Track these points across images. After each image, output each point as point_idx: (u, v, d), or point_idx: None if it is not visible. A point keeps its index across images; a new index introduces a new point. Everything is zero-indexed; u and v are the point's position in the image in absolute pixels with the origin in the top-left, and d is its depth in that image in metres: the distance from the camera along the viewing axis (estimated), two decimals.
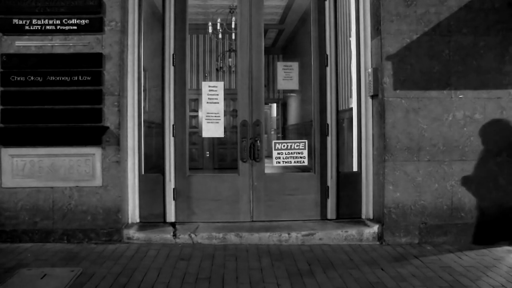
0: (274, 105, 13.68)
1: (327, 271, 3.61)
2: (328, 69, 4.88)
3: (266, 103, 5.19)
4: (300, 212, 4.88)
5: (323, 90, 4.90)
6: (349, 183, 4.89)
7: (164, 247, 4.23)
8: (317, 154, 4.92)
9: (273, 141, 5.03)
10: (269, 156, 5.20)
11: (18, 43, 4.47)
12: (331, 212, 4.89)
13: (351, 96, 4.99)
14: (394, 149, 4.43)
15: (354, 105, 4.93)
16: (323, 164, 4.90)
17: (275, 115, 13.67)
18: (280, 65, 5.22)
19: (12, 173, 4.41)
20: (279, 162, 4.88)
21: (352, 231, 4.44)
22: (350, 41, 4.94)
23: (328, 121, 4.88)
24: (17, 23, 4.45)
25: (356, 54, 4.87)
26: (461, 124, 4.45)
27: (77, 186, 4.40)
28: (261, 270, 3.60)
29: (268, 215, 4.87)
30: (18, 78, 4.43)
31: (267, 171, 4.93)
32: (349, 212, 4.89)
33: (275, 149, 4.89)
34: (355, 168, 4.96)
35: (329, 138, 4.88)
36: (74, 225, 4.39)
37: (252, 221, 4.85)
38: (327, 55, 4.88)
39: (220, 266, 3.69)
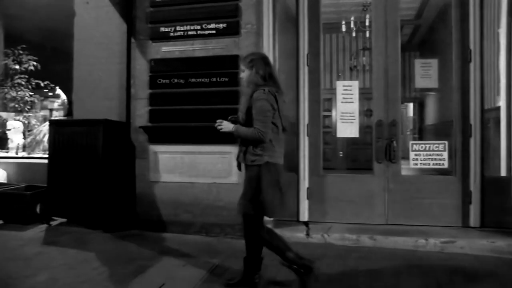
0: (411, 104, 13.64)
1: (471, 284, 3.58)
2: (471, 65, 5.02)
3: (401, 102, 5.43)
4: (438, 218, 5.08)
5: (465, 87, 5.05)
6: (495, 189, 4.94)
7: (296, 246, 4.50)
8: (459, 156, 5.09)
9: (410, 142, 5.24)
10: (405, 157, 5.46)
11: (164, 48, 5.42)
12: (474, 220, 5.00)
13: (498, 94, 5.02)
14: None
15: (502, 103, 4.96)
16: (465, 167, 5.05)
17: (412, 115, 13.60)
18: (417, 63, 5.48)
19: (159, 169, 5.36)
20: (417, 164, 5.14)
21: (501, 243, 4.38)
22: (498, 33, 5.00)
23: (471, 121, 5.02)
24: (163, 30, 5.39)
25: (507, 47, 4.89)
26: None
27: (214, 183, 5.17)
28: (396, 276, 3.74)
29: (403, 219, 5.15)
30: (164, 81, 5.36)
31: (403, 173, 5.23)
32: (495, 220, 4.92)
33: (412, 150, 5.15)
34: (503, 173, 4.97)
35: (472, 139, 5.02)
36: (211, 219, 5.17)
37: (387, 224, 5.17)
38: (470, 50, 5.02)
39: (352, 268, 3.93)
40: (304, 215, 5.35)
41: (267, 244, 3.47)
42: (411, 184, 5.18)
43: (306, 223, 5.23)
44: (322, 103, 5.49)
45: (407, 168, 5.39)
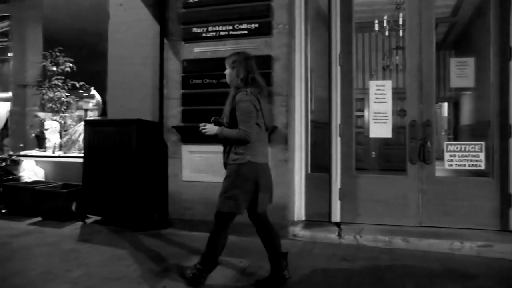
0: (445, 104, 13.39)
1: None
2: (511, 63, 4.90)
3: (436, 102, 5.33)
4: (474, 220, 4.98)
5: (504, 87, 4.94)
6: None
7: (328, 247, 4.70)
8: (496, 157, 4.98)
9: (445, 143, 5.16)
10: (440, 158, 5.39)
11: (196, 49, 5.48)
12: None
13: None
14: None
15: None
16: (503, 169, 4.94)
17: (446, 115, 13.36)
18: (453, 62, 5.37)
19: (191, 168, 5.42)
20: (452, 165, 5.06)
21: None
22: None
23: (511, 121, 4.91)
24: (196, 31, 5.46)
25: None
26: None
27: None
28: (432, 280, 3.68)
29: (437, 221, 5.08)
30: (196, 81, 5.42)
31: (437, 174, 5.15)
32: None
33: (447, 151, 5.07)
34: None
35: (511, 140, 4.91)
36: (242, 219, 5.07)
37: (420, 226, 5.10)
38: (510, 48, 4.91)
39: (385, 271, 3.90)
40: (336, 216, 5.33)
41: (211, 242, 3.57)
42: (446, 185, 5.09)
43: (338, 224, 5.23)
44: (354, 103, 5.44)
45: (442, 169, 5.31)
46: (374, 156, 10.85)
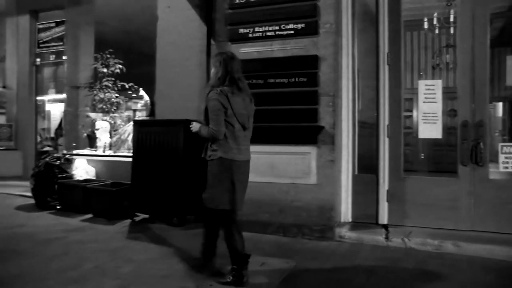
0: (500, 104, 12.90)
1: None
2: None
3: (489, 102, 5.14)
4: None
5: None
6: None
7: (375, 249, 4.64)
8: None
9: (500, 144, 4.99)
10: (494, 160, 5.19)
11: (242, 49, 5.52)
12: None
13: None
14: None
15: None
16: None
17: (501, 115, 12.87)
18: (509, 59, 5.20)
19: None
20: (507, 168, 4.88)
21: None
22: None
23: None
24: (242, 32, 5.51)
25: None
26: None
27: (293, 183, 5.20)
28: (486, 287, 3.59)
29: (490, 226, 4.89)
30: None
31: (491, 176, 4.98)
32: None
33: (502, 153, 4.90)
34: None
35: None
36: (289, 220, 5.20)
37: (472, 230, 4.94)
38: None
39: (434, 275, 3.82)
40: (384, 218, 5.25)
41: (207, 237, 3.82)
42: (501, 189, 4.90)
43: (385, 226, 5.15)
44: (403, 103, 5.33)
45: (496, 172, 5.10)
46: (423, 157, 10.58)
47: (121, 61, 8.26)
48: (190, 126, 3.77)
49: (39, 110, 10.85)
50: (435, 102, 5.10)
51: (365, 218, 5.29)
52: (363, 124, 5.65)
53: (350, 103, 5.37)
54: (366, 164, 5.43)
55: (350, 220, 5.37)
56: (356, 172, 5.40)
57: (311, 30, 5.18)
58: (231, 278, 3.58)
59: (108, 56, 8.20)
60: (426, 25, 8.67)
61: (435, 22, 8.70)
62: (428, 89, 5.14)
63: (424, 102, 5.14)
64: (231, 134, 3.52)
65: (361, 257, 4.39)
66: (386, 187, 5.25)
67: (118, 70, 8.18)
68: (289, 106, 5.24)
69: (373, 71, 5.34)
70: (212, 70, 3.67)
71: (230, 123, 3.51)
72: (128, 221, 5.88)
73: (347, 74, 5.36)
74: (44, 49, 10.18)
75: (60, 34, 9.85)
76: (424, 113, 5.13)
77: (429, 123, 5.11)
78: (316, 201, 5.08)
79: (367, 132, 5.56)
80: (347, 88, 5.36)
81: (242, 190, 3.66)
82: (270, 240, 5.04)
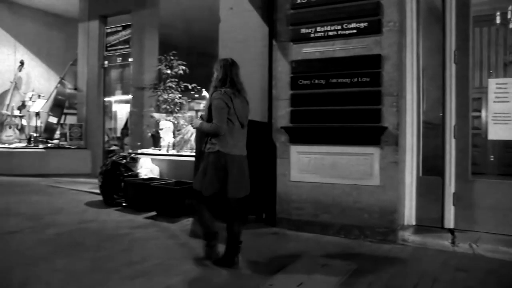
0: None
1: None
2: None
3: None
4: None
5: None
6: None
7: (440, 254, 4.49)
8: None
9: None
10: None
11: (304, 50, 5.53)
12: None
13: None
14: None
15: None
16: None
17: None
18: None
19: (299, 169, 5.49)
20: None
21: None
22: None
23: None
24: (304, 32, 5.51)
25: None
26: None
27: (355, 184, 5.15)
28: None
29: None
30: (305, 82, 5.48)
31: None
32: None
33: None
34: None
35: None
36: (350, 221, 5.15)
37: None
38: None
39: (508, 286, 3.72)
40: (449, 222, 5.09)
41: (200, 220, 4.31)
42: None
43: (451, 231, 4.99)
44: (471, 103, 5.13)
45: None
46: (492, 159, 10.14)
47: (184, 63, 8.47)
48: (190, 123, 4.10)
49: (106, 111, 11.35)
50: (507, 102, 4.86)
51: (429, 222, 5.15)
52: (428, 125, 5.50)
53: (414, 103, 5.25)
54: (431, 166, 5.29)
55: (413, 223, 5.24)
56: (421, 174, 5.27)
57: (374, 28, 5.10)
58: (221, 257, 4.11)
59: (172, 57, 8.43)
60: (498, 20, 8.30)
61: (509, 16, 8.30)
62: (500, 88, 4.91)
63: (494, 101, 4.93)
64: (230, 131, 3.95)
65: (425, 262, 4.27)
66: (453, 190, 5.08)
67: (181, 71, 8.39)
68: (351, 107, 5.18)
69: (438, 70, 5.20)
70: (214, 74, 4.08)
71: (231, 120, 3.94)
72: (191, 219, 6.01)
73: (412, 74, 5.24)
74: (112, 52, 10.64)
75: (126, 37, 10.25)
76: (495, 113, 4.91)
77: (500, 123, 4.89)
78: (379, 203, 5.00)
79: (432, 132, 5.42)
80: (412, 88, 5.24)
81: (237, 181, 4.05)
82: (331, 241, 5.02)
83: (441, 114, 5.18)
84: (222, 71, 4.04)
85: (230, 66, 4.07)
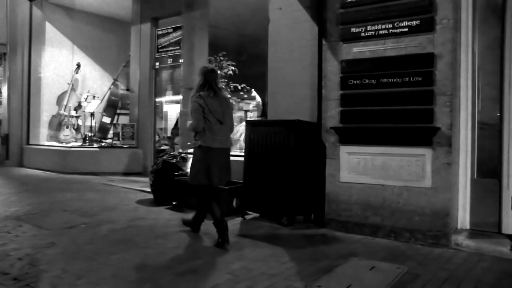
0: None
1: None
2: None
3: None
4: None
5: None
6: None
7: (497, 261, 4.30)
8: None
9: None
10: None
11: (354, 49, 5.49)
12: None
13: None
14: None
15: None
16: None
17: None
18: None
19: (348, 169, 5.46)
20: None
21: None
22: None
23: None
24: (354, 31, 5.46)
25: None
26: None
27: (406, 186, 5.06)
28: None
29: None
30: (355, 82, 5.43)
31: None
32: None
33: None
34: None
35: None
36: (401, 224, 5.06)
37: None
38: None
39: None
40: (508, 227, 4.88)
41: (197, 209, 5.25)
42: None
43: (510, 236, 4.78)
44: None
45: None
46: None
47: (233, 63, 8.57)
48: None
49: (157, 111, 11.62)
50: None
51: (485, 226, 4.98)
52: (483, 125, 5.31)
53: (469, 102, 5.09)
54: (487, 168, 5.10)
55: (467, 227, 5.08)
56: (476, 176, 5.09)
57: (427, 26, 4.98)
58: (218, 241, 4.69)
59: (221, 58, 8.55)
60: None
61: None
62: None
63: None
64: (208, 127, 4.71)
65: (480, 268, 4.10)
66: (511, 193, 4.88)
67: (230, 72, 8.50)
68: (402, 107, 5.09)
69: (496, 68, 5.02)
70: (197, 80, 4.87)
71: (207, 118, 4.68)
72: (240, 219, 6.09)
73: (466, 72, 5.09)
74: (163, 53, 10.89)
75: (177, 38, 10.47)
76: None
77: None
78: (430, 205, 4.89)
79: (488, 133, 5.22)
80: (466, 87, 5.08)
81: (219, 171, 4.83)
82: (381, 243, 4.96)
83: (498, 114, 5.01)
84: (203, 78, 4.78)
85: (209, 73, 4.80)
